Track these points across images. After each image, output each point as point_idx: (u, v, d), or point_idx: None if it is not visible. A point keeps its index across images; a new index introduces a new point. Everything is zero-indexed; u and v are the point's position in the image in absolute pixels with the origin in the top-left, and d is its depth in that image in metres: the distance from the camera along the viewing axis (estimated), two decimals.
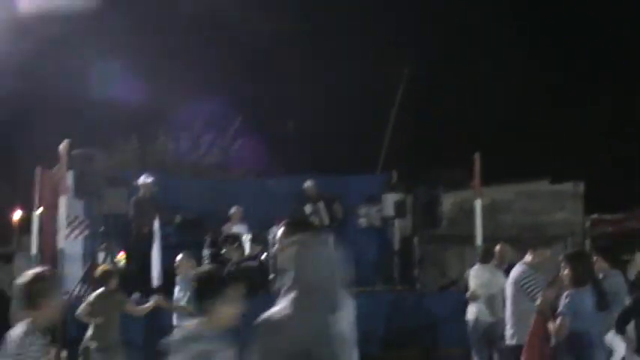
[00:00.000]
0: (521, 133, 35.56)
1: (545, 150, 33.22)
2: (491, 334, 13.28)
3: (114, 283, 12.32)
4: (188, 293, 12.00)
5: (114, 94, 29.50)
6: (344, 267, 5.05)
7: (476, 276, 13.79)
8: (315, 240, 5.05)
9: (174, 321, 12.30)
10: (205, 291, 5.73)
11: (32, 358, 5.88)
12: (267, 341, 4.84)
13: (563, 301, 8.61)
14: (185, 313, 11.97)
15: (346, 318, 5.55)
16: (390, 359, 16.45)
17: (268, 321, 4.90)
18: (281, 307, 4.85)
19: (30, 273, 6.19)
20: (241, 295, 5.84)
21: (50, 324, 5.94)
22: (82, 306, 12.04)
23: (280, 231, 5.67)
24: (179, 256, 12.78)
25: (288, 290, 4.92)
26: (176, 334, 5.61)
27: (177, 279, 12.58)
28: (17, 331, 5.96)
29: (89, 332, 12.00)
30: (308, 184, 18.97)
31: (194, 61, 34.84)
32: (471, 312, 13.67)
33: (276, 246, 5.67)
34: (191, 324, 5.65)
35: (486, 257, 13.74)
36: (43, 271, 6.37)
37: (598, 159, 32.63)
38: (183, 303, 12.31)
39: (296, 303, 4.87)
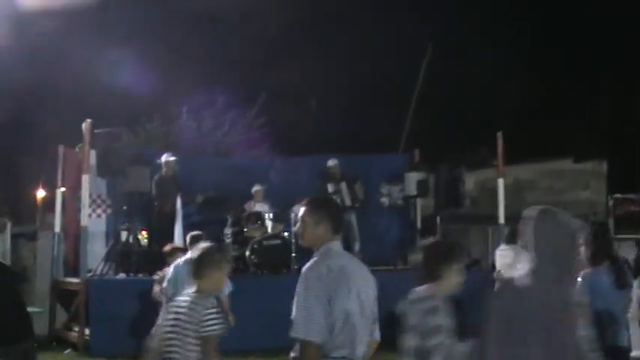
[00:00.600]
0: (544, 112, 35.42)
1: (569, 129, 33.03)
2: None
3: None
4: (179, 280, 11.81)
5: (136, 73, 29.52)
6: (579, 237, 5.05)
7: (501, 256, 13.73)
8: (554, 210, 5.05)
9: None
10: (438, 260, 6.09)
11: (218, 321, 6.16)
12: (506, 305, 4.86)
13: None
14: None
15: (370, 295, 5.57)
16: None
17: (510, 286, 4.92)
18: (521, 274, 4.85)
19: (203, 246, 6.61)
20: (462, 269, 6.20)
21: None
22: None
23: (302, 210, 5.64)
24: (188, 236, 12.56)
25: (531, 260, 4.93)
26: (410, 296, 5.95)
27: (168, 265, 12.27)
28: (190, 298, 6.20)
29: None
30: (331, 163, 18.88)
31: (217, 39, 34.80)
32: None
33: (298, 224, 5.63)
34: (422, 288, 6.05)
35: (512, 237, 13.65)
36: (212, 246, 6.78)
37: (621, 137, 32.45)
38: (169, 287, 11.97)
39: (538, 273, 4.88)
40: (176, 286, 11.78)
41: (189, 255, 12.04)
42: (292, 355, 5.43)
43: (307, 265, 5.42)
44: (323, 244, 5.51)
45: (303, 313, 5.22)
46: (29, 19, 23.44)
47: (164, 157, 17.43)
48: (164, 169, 17.26)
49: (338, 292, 5.29)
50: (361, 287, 5.48)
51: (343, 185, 18.53)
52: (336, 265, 5.38)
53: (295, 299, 5.31)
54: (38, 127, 34.64)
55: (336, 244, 5.58)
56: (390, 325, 16.11)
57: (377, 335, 5.69)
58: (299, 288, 5.31)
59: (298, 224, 5.66)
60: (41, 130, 34.25)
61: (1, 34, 21.47)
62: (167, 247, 12.36)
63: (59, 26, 25.70)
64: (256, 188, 18.24)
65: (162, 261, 14.63)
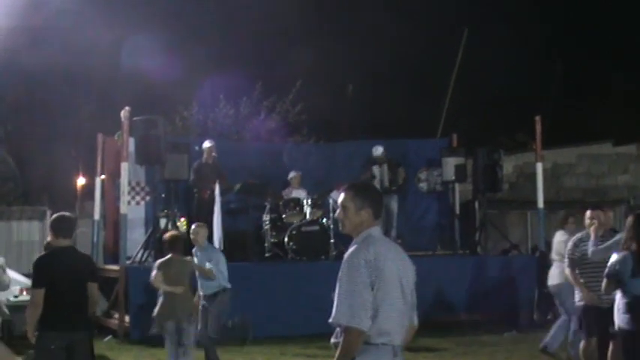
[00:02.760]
0: (583, 95, 35.17)
1: (608, 112, 32.78)
2: (556, 296, 13.15)
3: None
4: (207, 263, 11.91)
5: (174, 61, 29.62)
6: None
7: (553, 241, 13.63)
8: None
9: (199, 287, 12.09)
10: None
11: None
12: None
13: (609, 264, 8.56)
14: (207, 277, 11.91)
15: (410, 281, 5.57)
16: (453, 323, 16.42)
17: None
18: None
19: None
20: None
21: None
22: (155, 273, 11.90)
23: (343, 195, 5.63)
24: (194, 226, 12.57)
25: None
26: None
27: (194, 250, 12.36)
28: None
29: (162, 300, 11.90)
30: (377, 150, 18.82)
31: (253, 26, 34.88)
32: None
33: (338, 210, 5.62)
34: None
35: (563, 222, 13.55)
36: None
37: None
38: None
39: None
40: None
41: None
42: (333, 340, 5.41)
43: (349, 251, 5.42)
44: (363, 230, 5.50)
45: (347, 299, 5.23)
46: (67, 6, 23.58)
47: (205, 144, 17.48)
48: (203, 156, 17.31)
49: (381, 278, 5.29)
50: (402, 273, 5.48)
51: (385, 168, 18.51)
52: (378, 251, 5.36)
53: (338, 285, 5.32)
54: (77, 115, 34.89)
55: (377, 230, 5.57)
56: (428, 308, 16.06)
57: (415, 321, 5.67)
58: (342, 275, 5.32)
59: (339, 210, 5.62)
60: (80, 118, 34.50)
61: (38, 22, 21.62)
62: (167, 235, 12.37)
63: (97, 14, 25.84)
64: (293, 174, 18.26)
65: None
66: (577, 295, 10.86)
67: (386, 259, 5.37)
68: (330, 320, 5.31)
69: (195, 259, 12.08)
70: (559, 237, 13.21)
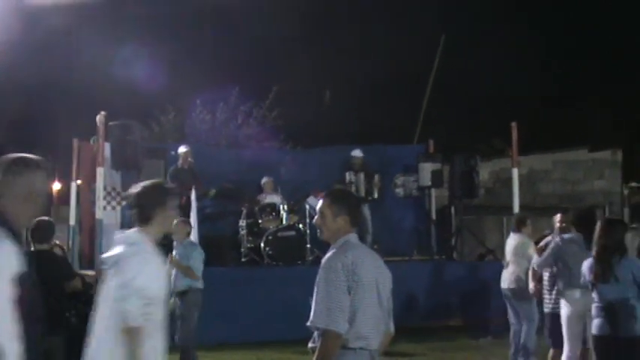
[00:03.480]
0: (558, 102, 35.34)
1: (583, 118, 32.96)
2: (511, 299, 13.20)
3: None
4: (189, 258, 11.97)
5: (149, 66, 29.56)
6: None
7: (507, 243, 13.60)
8: None
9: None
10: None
11: None
12: None
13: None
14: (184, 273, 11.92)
15: (387, 287, 5.65)
16: (428, 329, 16.46)
17: None
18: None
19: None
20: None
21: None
22: None
23: (321, 202, 5.66)
24: (175, 221, 12.60)
25: None
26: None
27: (174, 244, 12.43)
28: None
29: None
30: (356, 152, 18.86)
31: (231, 32, 34.85)
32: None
33: (317, 217, 5.65)
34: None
35: (520, 225, 13.50)
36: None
37: (636, 126, 32.37)
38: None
39: None
40: None
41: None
42: (310, 345, 5.46)
43: (327, 256, 5.50)
44: (341, 236, 5.58)
45: (325, 303, 5.29)
46: (40, 13, 23.47)
47: (180, 149, 17.45)
48: (179, 162, 17.28)
49: (358, 283, 5.36)
50: (379, 280, 5.55)
51: (361, 176, 18.51)
52: (356, 256, 5.44)
53: (316, 290, 5.39)
54: (52, 120, 34.77)
55: (354, 237, 5.64)
56: (405, 314, 16.14)
57: (392, 327, 5.71)
58: (319, 279, 5.41)
59: (317, 217, 5.69)
60: (55, 124, 34.38)
61: (13, 29, 21.52)
62: None
63: (70, 21, 25.77)
64: (265, 180, 18.23)
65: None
66: (547, 303, 10.93)
67: (363, 264, 5.44)
68: (308, 323, 5.36)
69: (175, 254, 12.12)
70: (517, 239, 13.12)
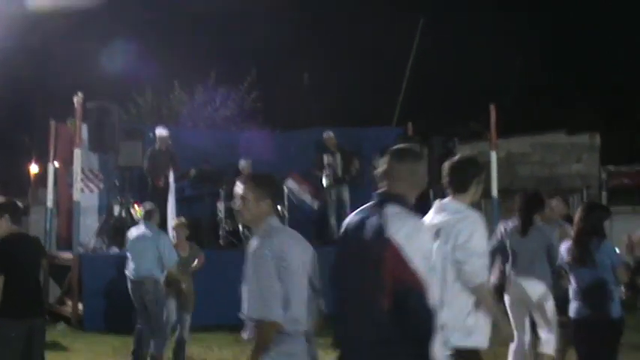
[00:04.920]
0: (537, 85, 35.37)
1: (562, 101, 33.03)
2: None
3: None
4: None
5: (128, 48, 29.42)
6: None
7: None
8: None
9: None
10: None
11: None
12: None
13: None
14: None
15: (314, 268, 5.66)
16: None
17: None
18: None
19: None
20: None
21: None
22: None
23: (242, 186, 5.58)
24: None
25: None
26: None
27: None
28: None
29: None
30: (328, 134, 18.83)
31: (208, 14, 34.69)
32: None
33: (237, 201, 5.62)
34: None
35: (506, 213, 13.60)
36: None
37: (614, 110, 32.48)
38: None
39: None
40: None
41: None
42: (244, 335, 5.49)
43: (254, 245, 5.46)
44: (262, 221, 5.57)
45: (258, 293, 5.30)
46: None
47: (157, 131, 17.37)
48: (157, 143, 17.20)
49: (287, 268, 5.36)
50: (307, 261, 5.58)
51: (338, 157, 18.49)
52: (282, 242, 5.45)
53: (246, 280, 5.41)
54: (28, 102, 34.59)
55: (275, 220, 5.64)
56: None
57: (323, 306, 5.73)
58: (249, 269, 5.40)
59: (237, 201, 5.63)
60: (32, 106, 34.20)
61: None
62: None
63: (47, 3, 25.59)
64: (243, 163, 18.12)
65: None
66: None
67: (290, 248, 5.46)
68: (244, 316, 5.40)
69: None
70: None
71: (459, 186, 6.21)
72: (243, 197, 5.58)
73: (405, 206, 4.82)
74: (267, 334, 5.28)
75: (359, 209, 5.12)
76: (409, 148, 5.29)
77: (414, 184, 5.03)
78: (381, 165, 5.08)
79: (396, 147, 5.25)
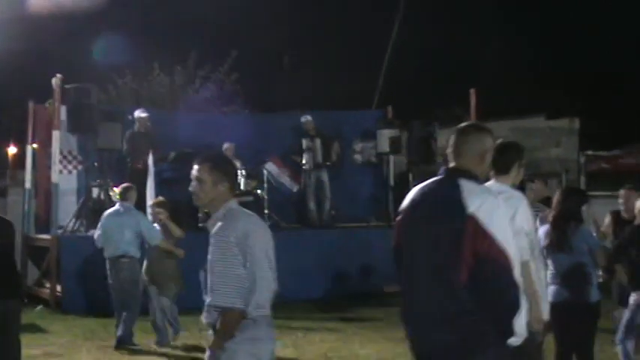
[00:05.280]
0: (517, 70, 35.45)
1: (541, 86, 33.11)
2: None
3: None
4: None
5: (107, 29, 29.29)
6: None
7: None
8: None
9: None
10: None
11: None
12: None
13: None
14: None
15: (273, 251, 5.57)
16: (386, 294, 16.54)
17: None
18: None
19: None
20: None
21: None
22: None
23: (198, 168, 5.50)
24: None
25: None
26: None
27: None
28: None
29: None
30: (305, 118, 18.79)
31: None
32: None
33: (193, 183, 5.51)
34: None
35: None
36: None
37: (594, 95, 32.59)
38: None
39: None
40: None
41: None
42: (205, 320, 5.38)
43: (216, 230, 5.34)
44: (219, 204, 5.48)
45: (223, 279, 5.21)
46: None
47: (136, 113, 17.30)
48: (136, 125, 17.14)
49: (251, 254, 5.29)
50: (267, 245, 5.50)
51: (318, 142, 18.48)
52: (245, 226, 5.36)
53: (210, 266, 5.28)
54: (7, 83, 34.36)
55: (234, 204, 5.54)
56: (362, 279, 16.25)
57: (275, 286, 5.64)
58: (213, 255, 5.29)
59: (194, 183, 5.52)
60: (10, 87, 33.99)
61: None
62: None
63: None
64: (226, 145, 18.15)
65: None
66: None
67: (253, 232, 5.39)
68: (209, 302, 5.26)
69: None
70: None
71: (502, 167, 6.40)
72: (199, 179, 5.48)
73: (477, 181, 4.94)
74: (233, 321, 5.22)
75: (423, 184, 5.22)
76: (475, 124, 5.44)
77: (480, 160, 5.12)
78: (449, 142, 5.19)
79: (463, 124, 5.35)
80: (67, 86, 16.31)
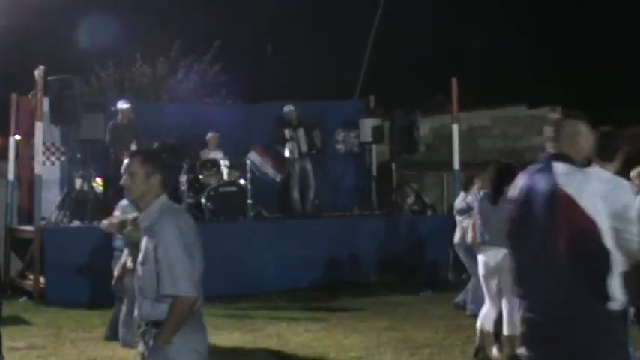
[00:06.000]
0: (498, 58, 35.50)
1: (523, 75, 33.18)
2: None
3: None
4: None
5: (89, 19, 29.20)
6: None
7: (455, 203, 14.03)
8: None
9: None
10: None
11: None
12: None
13: None
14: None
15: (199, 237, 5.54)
16: (370, 284, 16.63)
17: None
18: None
19: None
20: None
21: None
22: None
23: (129, 161, 5.44)
24: None
25: None
26: None
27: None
28: None
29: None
30: (288, 108, 18.80)
31: None
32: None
33: (125, 177, 5.43)
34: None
35: (467, 184, 13.82)
36: None
37: (575, 83, 32.67)
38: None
39: None
40: None
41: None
42: (148, 318, 5.32)
43: (163, 224, 5.28)
44: (151, 198, 5.43)
45: (173, 269, 5.17)
46: None
47: (119, 104, 17.29)
48: (119, 116, 17.14)
49: (192, 244, 5.32)
50: (198, 237, 5.48)
51: (301, 131, 18.50)
52: (184, 219, 5.39)
53: (161, 256, 5.20)
54: None
55: (167, 198, 5.51)
56: (346, 269, 16.34)
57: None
58: (160, 246, 5.22)
59: (126, 177, 5.45)
60: None
61: None
62: None
63: None
64: (210, 135, 18.20)
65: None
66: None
67: (190, 224, 5.40)
68: (162, 293, 5.18)
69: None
70: (460, 198, 13.63)
71: (607, 155, 6.45)
72: (131, 173, 5.41)
73: (572, 164, 5.18)
74: (186, 310, 5.20)
75: (526, 171, 5.48)
76: (572, 112, 5.60)
77: (579, 146, 5.34)
78: (548, 129, 5.46)
79: (561, 111, 5.60)
80: (49, 78, 16.29)
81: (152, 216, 5.37)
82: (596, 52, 33.52)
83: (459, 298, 13.69)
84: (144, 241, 5.38)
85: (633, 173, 10.04)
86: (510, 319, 9.80)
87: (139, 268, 5.41)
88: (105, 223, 9.83)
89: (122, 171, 5.47)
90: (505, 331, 9.83)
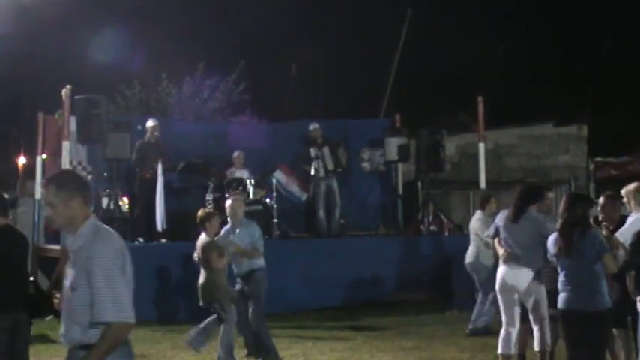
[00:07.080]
0: (525, 77, 35.43)
1: (549, 93, 33.09)
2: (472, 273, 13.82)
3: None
4: (248, 238, 11.81)
5: (116, 40, 29.36)
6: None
7: (471, 221, 14.08)
8: None
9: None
10: None
11: None
12: None
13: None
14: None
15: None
16: (395, 303, 16.55)
17: None
18: None
19: None
20: None
21: None
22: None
23: (44, 192, 5.26)
24: (231, 201, 12.41)
25: None
26: None
27: (229, 227, 12.18)
28: None
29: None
30: (313, 126, 18.75)
31: (198, 6, 34.66)
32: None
33: (47, 209, 5.27)
34: None
35: (484, 203, 13.80)
36: None
37: (602, 101, 32.54)
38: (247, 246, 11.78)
39: None
40: None
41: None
42: (81, 343, 5.16)
43: (97, 247, 5.13)
44: (79, 220, 5.26)
45: (110, 294, 5.03)
46: None
47: (148, 123, 17.38)
48: (145, 136, 17.21)
49: (126, 265, 5.22)
50: (129, 257, 5.32)
51: (326, 150, 18.45)
52: (119, 241, 5.26)
53: (98, 283, 5.05)
54: (16, 94, 34.48)
55: (97, 220, 5.38)
56: (371, 288, 16.22)
57: None
58: (96, 270, 5.07)
59: (48, 208, 5.29)
60: (20, 98, 34.09)
61: None
62: (201, 212, 12.27)
63: None
64: (236, 154, 18.23)
65: (143, 227, 14.68)
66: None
67: (124, 249, 5.26)
68: (97, 320, 5.04)
69: (232, 237, 11.92)
70: (476, 217, 13.60)
71: None
72: (50, 203, 5.24)
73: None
74: (122, 335, 5.11)
75: None
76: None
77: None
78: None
79: None
80: (76, 97, 16.39)
81: (83, 238, 5.22)
82: (624, 70, 33.41)
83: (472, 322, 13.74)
84: (73, 265, 5.26)
85: (624, 191, 10.06)
86: (542, 336, 9.79)
87: (67, 292, 5.28)
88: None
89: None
90: (536, 346, 9.83)
